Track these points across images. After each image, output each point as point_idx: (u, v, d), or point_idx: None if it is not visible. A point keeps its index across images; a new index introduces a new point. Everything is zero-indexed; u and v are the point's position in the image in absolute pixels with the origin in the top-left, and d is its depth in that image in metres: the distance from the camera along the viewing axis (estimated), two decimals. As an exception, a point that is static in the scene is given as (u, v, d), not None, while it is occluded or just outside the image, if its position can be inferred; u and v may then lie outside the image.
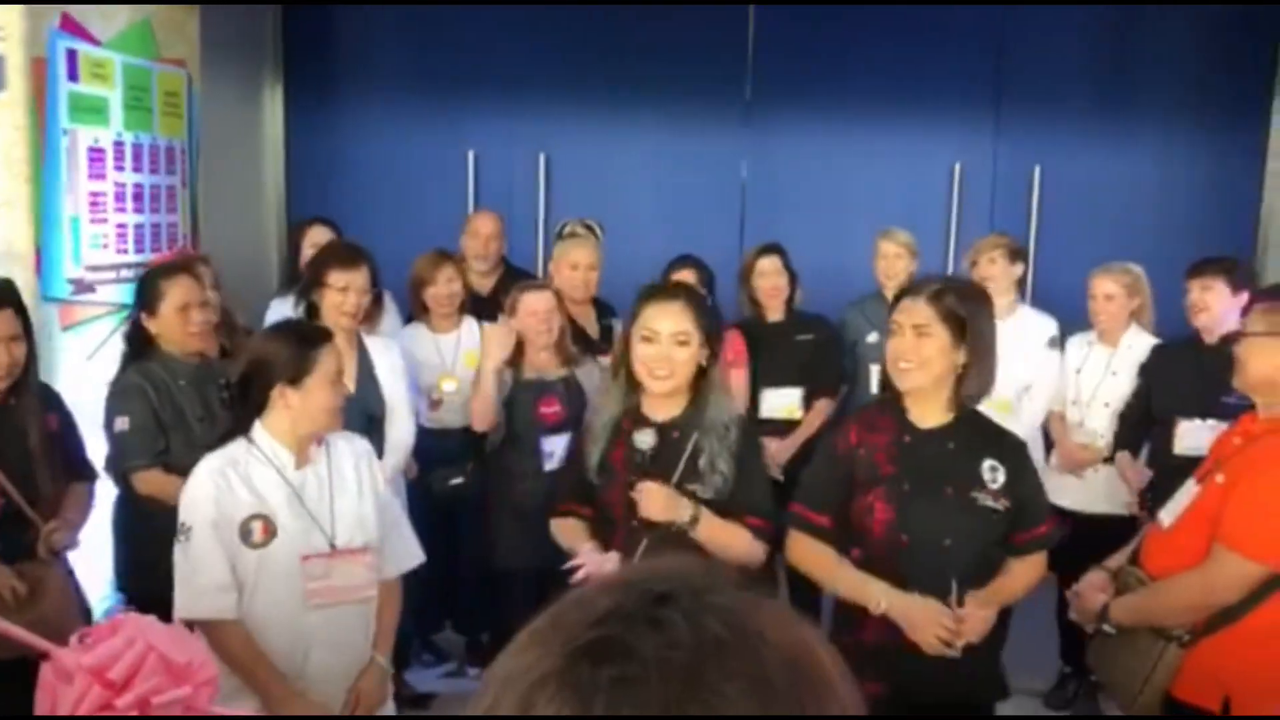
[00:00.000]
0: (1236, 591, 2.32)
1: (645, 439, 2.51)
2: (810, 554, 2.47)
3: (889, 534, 2.36)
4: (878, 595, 2.31)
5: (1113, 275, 4.05)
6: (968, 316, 2.37)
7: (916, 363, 2.35)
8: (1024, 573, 2.49)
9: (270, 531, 2.47)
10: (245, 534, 2.45)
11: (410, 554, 2.75)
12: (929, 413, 2.42)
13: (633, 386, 2.60)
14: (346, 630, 2.54)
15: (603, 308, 4.32)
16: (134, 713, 1.87)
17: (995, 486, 2.38)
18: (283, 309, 4.32)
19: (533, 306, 3.72)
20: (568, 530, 2.68)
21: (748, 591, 0.67)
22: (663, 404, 2.56)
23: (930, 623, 2.28)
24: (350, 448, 2.66)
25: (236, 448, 2.53)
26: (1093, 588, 2.58)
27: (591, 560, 2.46)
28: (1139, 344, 4.03)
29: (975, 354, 2.37)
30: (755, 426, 2.80)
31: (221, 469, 2.49)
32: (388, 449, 3.50)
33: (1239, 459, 2.41)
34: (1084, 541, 3.28)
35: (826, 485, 2.48)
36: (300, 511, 2.50)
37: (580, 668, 0.60)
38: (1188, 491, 2.52)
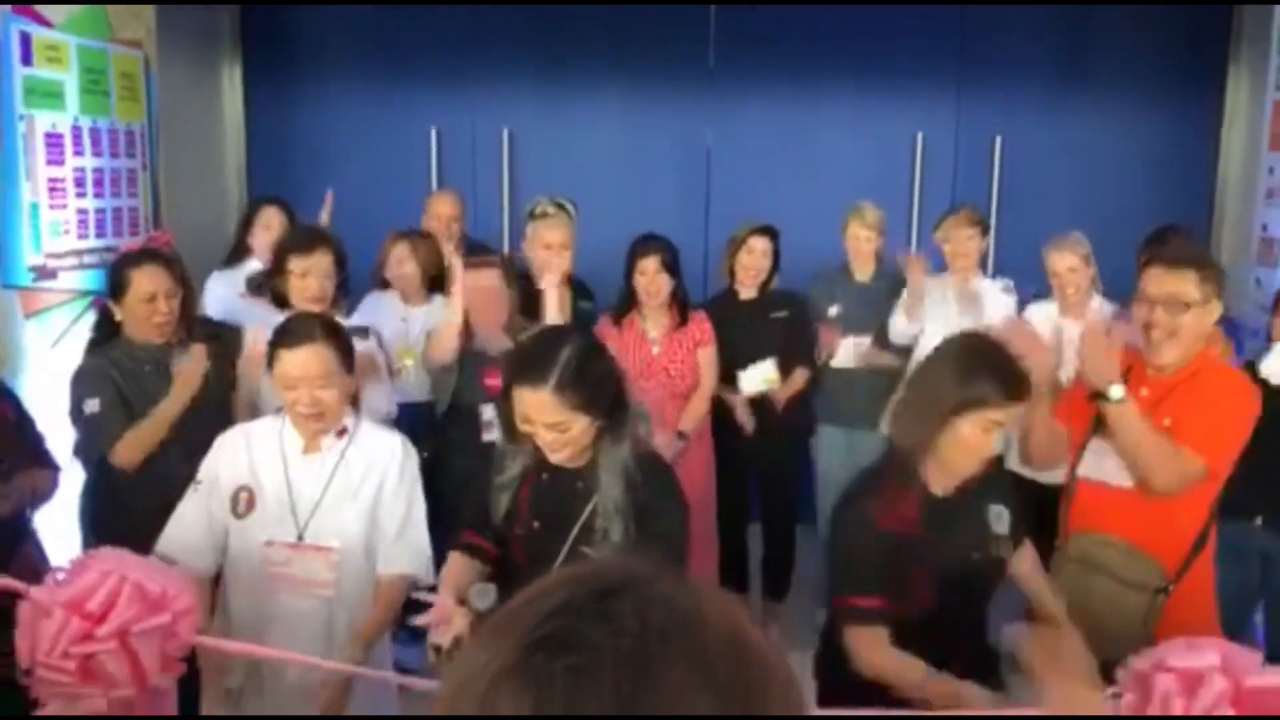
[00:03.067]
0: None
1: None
2: (892, 662, 2.21)
3: (929, 605, 2.27)
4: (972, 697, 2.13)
5: (1070, 247, 4.10)
6: None
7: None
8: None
9: (252, 506, 2.55)
10: (235, 502, 2.56)
11: (410, 559, 2.59)
12: (944, 481, 2.34)
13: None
14: (302, 620, 2.54)
15: (580, 289, 4.33)
16: (113, 643, 1.90)
17: (1002, 530, 2.37)
18: (220, 282, 4.33)
19: (475, 284, 3.62)
20: (451, 573, 2.44)
21: (688, 581, 0.71)
22: None
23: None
24: (375, 446, 2.62)
25: (269, 421, 2.66)
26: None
27: (437, 613, 2.25)
28: (1104, 313, 4.09)
29: None
30: (661, 470, 2.44)
31: (240, 436, 2.64)
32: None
33: (1179, 399, 2.58)
34: (1047, 510, 3.33)
35: (866, 565, 2.28)
36: (283, 497, 2.54)
37: (535, 661, 0.63)
38: (1108, 452, 2.65)
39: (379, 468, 2.60)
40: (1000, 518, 2.32)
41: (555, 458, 2.29)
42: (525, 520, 2.39)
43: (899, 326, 4.27)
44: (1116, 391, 2.55)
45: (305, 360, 2.50)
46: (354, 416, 2.67)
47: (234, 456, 2.60)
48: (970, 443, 2.19)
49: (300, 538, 2.54)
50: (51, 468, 3.20)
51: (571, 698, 0.61)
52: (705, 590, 0.70)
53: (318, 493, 2.55)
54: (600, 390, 2.23)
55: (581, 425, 2.22)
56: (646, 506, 2.30)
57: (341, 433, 2.60)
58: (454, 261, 3.75)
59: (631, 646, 0.63)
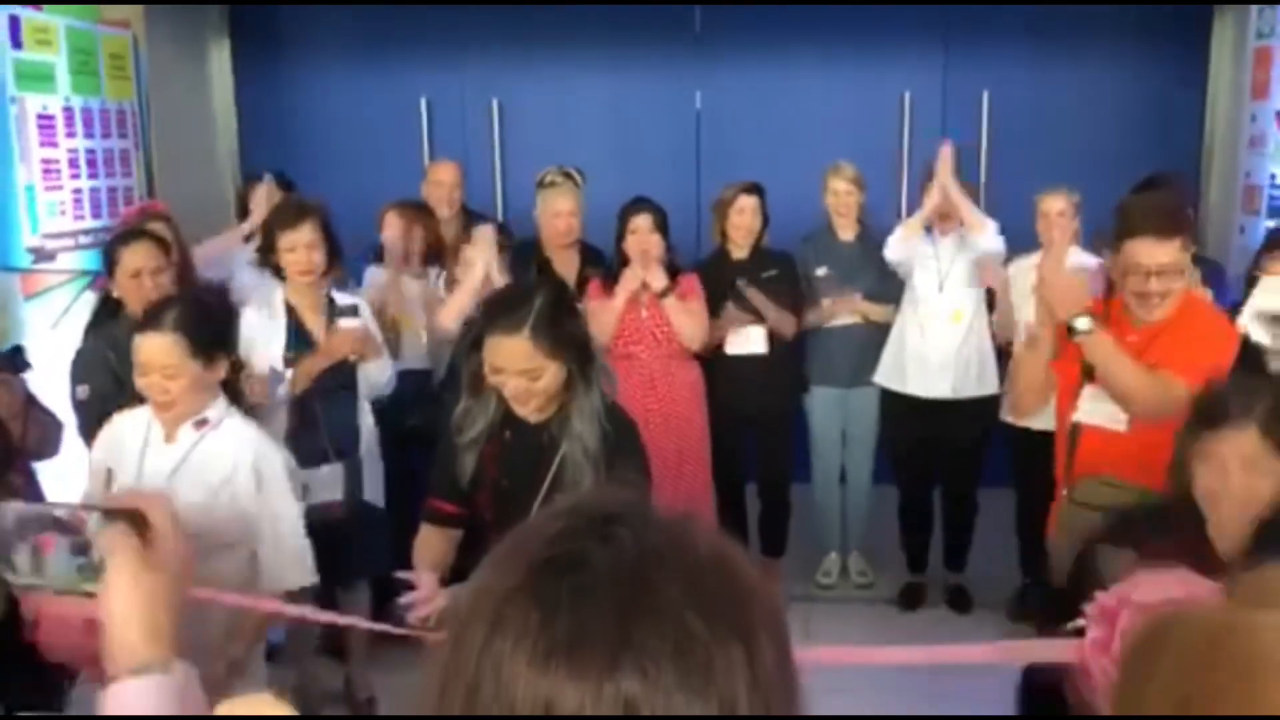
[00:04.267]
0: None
1: None
2: None
3: None
4: None
5: (1062, 194, 4.17)
6: None
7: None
8: None
9: (109, 488, 2.54)
10: (106, 484, 2.56)
11: (295, 574, 2.59)
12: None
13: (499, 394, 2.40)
14: None
15: (591, 254, 4.39)
16: None
17: None
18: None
19: (470, 258, 3.76)
20: (424, 550, 2.48)
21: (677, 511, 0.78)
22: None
23: None
24: (235, 441, 2.55)
25: (146, 408, 2.60)
26: None
27: (422, 593, 2.26)
28: (1083, 264, 4.14)
29: None
30: (626, 421, 2.48)
31: (116, 425, 2.64)
32: (361, 391, 3.59)
33: (1165, 340, 2.64)
34: (1042, 458, 3.39)
35: None
36: (130, 485, 2.52)
37: (542, 580, 0.70)
38: (1103, 397, 2.70)
39: (232, 462, 2.55)
40: None
41: (523, 409, 2.33)
42: (493, 479, 2.41)
43: (895, 242, 4.29)
44: (1082, 323, 2.59)
45: (152, 347, 2.48)
46: (221, 407, 2.59)
47: (109, 439, 2.62)
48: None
49: None
50: (54, 420, 3.23)
51: (576, 614, 0.68)
52: (693, 518, 0.77)
53: (162, 482, 2.50)
54: (570, 338, 2.32)
55: (551, 372, 2.29)
56: (613, 456, 2.35)
57: (201, 424, 2.55)
58: (473, 242, 3.80)
59: (630, 566, 0.70)
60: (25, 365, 3.28)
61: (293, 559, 2.60)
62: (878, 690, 2.99)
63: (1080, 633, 1.70)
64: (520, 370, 2.27)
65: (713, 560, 0.73)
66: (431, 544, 2.48)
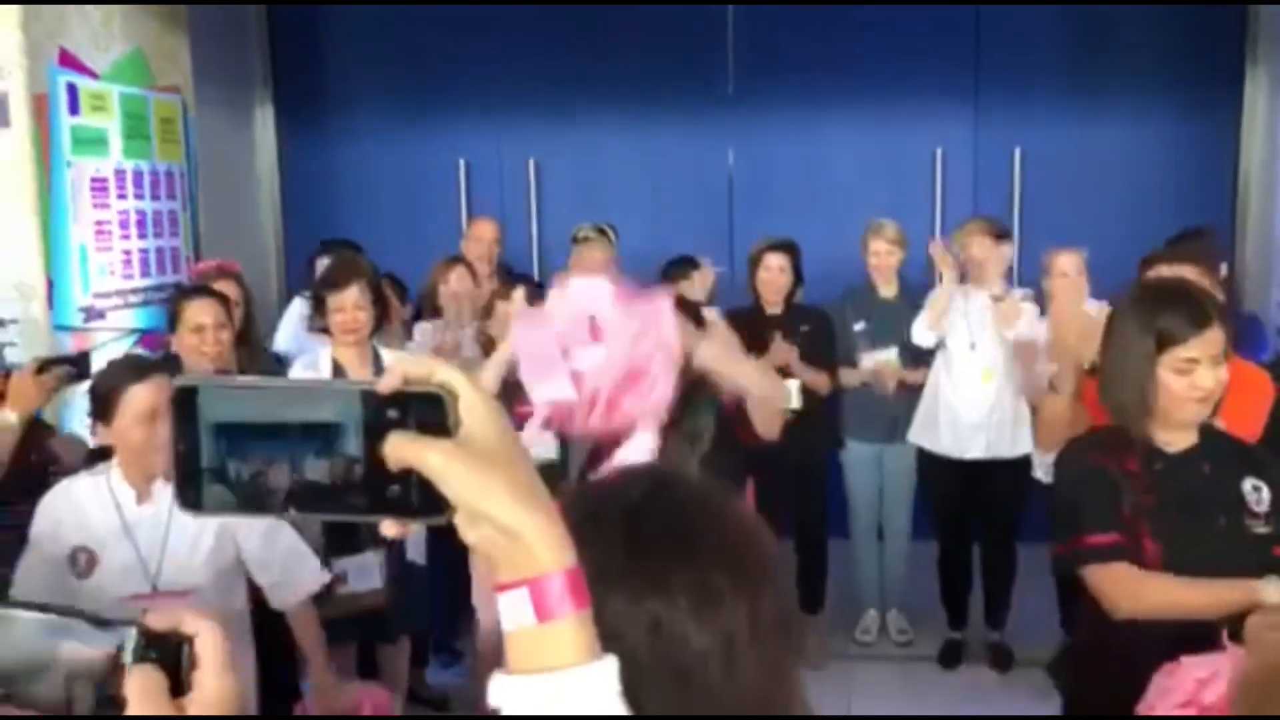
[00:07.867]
0: None
1: None
2: (1156, 583, 2.02)
3: (1155, 567, 2.05)
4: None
5: (1075, 250, 4.08)
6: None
7: (1217, 390, 2.05)
8: None
9: (94, 565, 2.48)
10: (74, 564, 2.48)
11: (306, 579, 2.73)
12: (1175, 435, 2.12)
13: None
14: None
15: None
16: None
17: (1262, 509, 2.09)
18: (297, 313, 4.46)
19: (502, 311, 3.85)
20: None
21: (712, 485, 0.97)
22: None
23: None
24: None
25: (90, 477, 2.53)
26: None
27: None
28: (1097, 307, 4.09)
29: None
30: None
31: (63, 497, 2.52)
32: None
33: None
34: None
35: (1101, 503, 2.09)
36: (128, 549, 2.49)
37: (605, 517, 0.89)
38: None
39: None
40: (1259, 491, 2.08)
41: None
42: None
43: (921, 328, 4.32)
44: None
45: (155, 393, 2.42)
46: None
47: (61, 517, 2.49)
48: (1174, 390, 2.04)
49: (154, 588, 2.49)
50: None
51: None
52: (728, 492, 0.97)
53: (160, 541, 2.49)
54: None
55: None
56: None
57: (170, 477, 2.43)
58: (506, 304, 3.81)
59: (679, 518, 0.90)
60: (86, 375, 3.35)
61: (304, 567, 2.73)
62: None
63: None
64: None
65: (739, 528, 0.93)
66: None
